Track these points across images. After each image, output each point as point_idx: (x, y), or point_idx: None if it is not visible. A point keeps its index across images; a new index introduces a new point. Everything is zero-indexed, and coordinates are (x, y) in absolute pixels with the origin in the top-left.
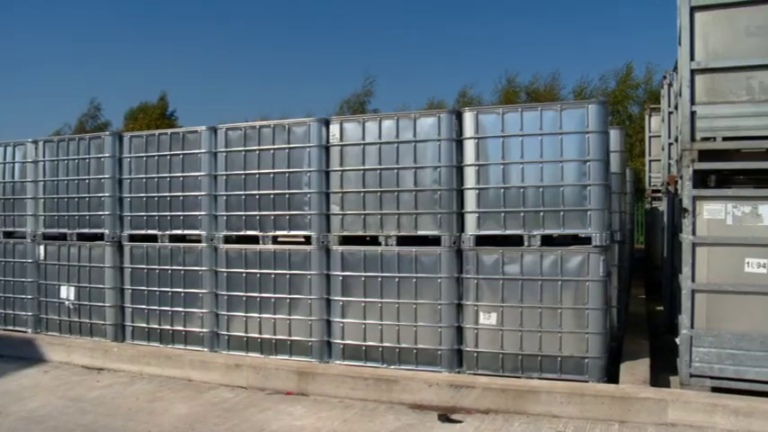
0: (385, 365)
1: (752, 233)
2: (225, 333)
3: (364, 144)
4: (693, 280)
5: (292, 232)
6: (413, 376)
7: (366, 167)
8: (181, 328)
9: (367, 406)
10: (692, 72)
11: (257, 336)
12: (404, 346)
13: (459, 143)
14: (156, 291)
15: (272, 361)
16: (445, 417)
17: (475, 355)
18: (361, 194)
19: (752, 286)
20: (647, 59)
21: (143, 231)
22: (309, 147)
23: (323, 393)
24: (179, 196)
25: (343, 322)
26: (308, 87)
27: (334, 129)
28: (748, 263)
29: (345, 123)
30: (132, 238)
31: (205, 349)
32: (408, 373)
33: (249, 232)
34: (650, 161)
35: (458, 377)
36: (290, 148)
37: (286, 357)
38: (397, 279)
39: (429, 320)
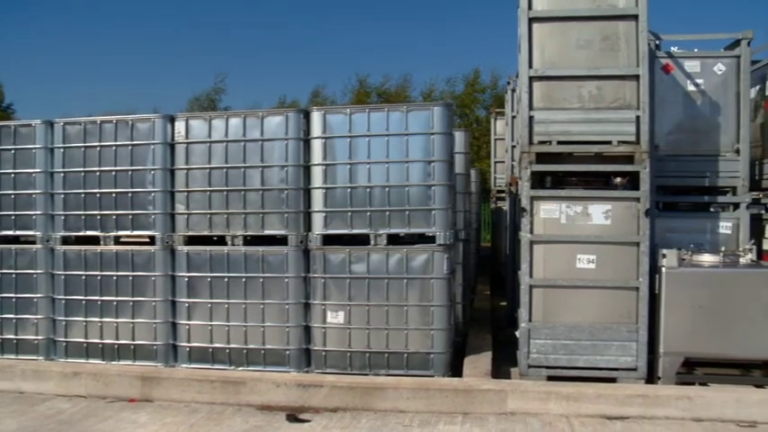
0: (233, 367)
1: (583, 231)
2: (62, 340)
3: (210, 142)
4: (531, 276)
5: (136, 232)
6: (260, 377)
7: (212, 166)
8: (12, 337)
9: (214, 409)
10: (530, 79)
11: (98, 341)
12: (252, 347)
13: (306, 142)
14: None
15: (113, 367)
16: (294, 417)
17: (323, 353)
18: (207, 193)
19: (582, 281)
20: (494, 65)
21: None
22: (154, 144)
23: (168, 398)
24: (10, 194)
25: (189, 324)
26: (159, 87)
27: (180, 126)
28: (579, 259)
29: (191, 121)
30: None
31: (40, 358)
32: (256, 375)
33: (89, 232)
34: (495, 163)
35: (306, 377)
36: (133, 145)
37: (129, 363)
38: (244, 279)
39: (277, 320)
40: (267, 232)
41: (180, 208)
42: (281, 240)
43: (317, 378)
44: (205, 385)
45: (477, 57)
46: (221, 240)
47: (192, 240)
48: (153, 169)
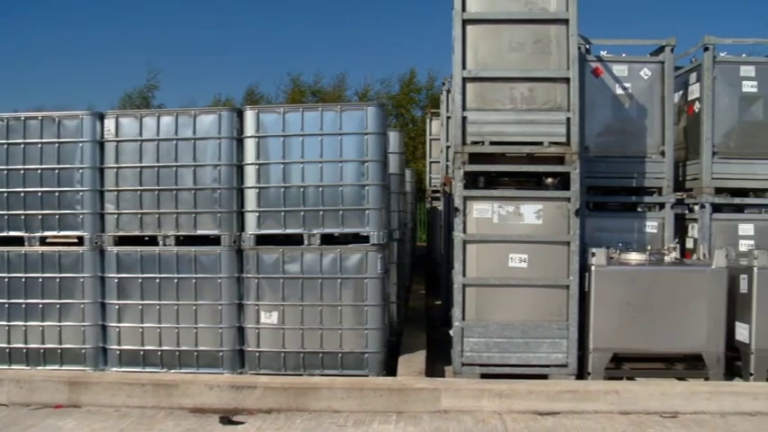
0: (165, 370)
1: (515, 231)
2: None
3: (142, 140)
4: (464, 275)
5: (63, 233)
6: (193, 380)
7: (143, 165)
8: None
9: (145, 413)
10: (464, 80)
11: (22, 346)
12: (184, 348)
13: (240, 142)
14: None
15: (39, 372)
16: (227, 419)
17: (257, 354)
18: (138, 193)
19: (514, 279)
20: (430, 66)
21: None
22: (82, 142)
23: (97, 403)
24: None
25: (119, 327)
26: (92, 88)
27: (110, 123)
28: (512, 258)
29: (122, 118)
30: None
31: None
32: (189, 377)
33: (12, 233)
34: (431, 163)
35: (239, 378)
36: (60, 143)
37: (56, 367)
38: (176, 280)
39: (210, 322)
40: (200, 232)
41: (110, 207)
42: (214, 240)
43: (250, 379)
44: (136, 389)
45: (414, 57)
46: (153, 241)
47: (122, 241)
48: (81, 168)
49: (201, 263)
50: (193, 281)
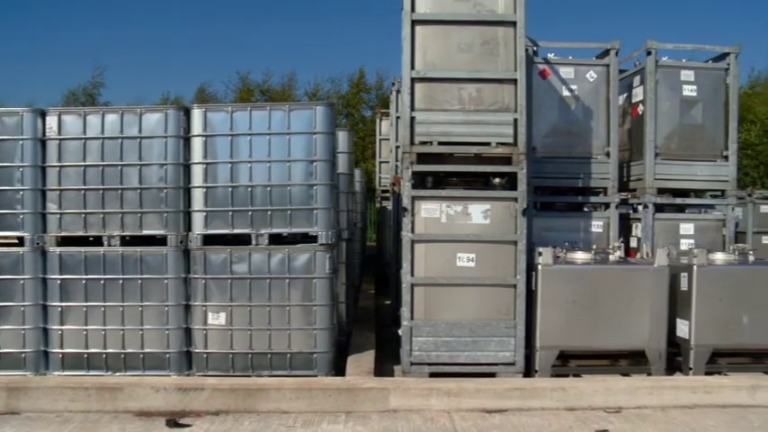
0: (110, 373)
1: (463, 230)
2: None
3: (85, 138)
4: (413, 274)
5: (2, 233)
6: (139, 382)
7: (87, 163)
8: None
9: (89, 418)
10: (413, 80)
11: None
12: (130, 351)
13: (187, 141)
14: None
15: None
16: (174, 422)
17: (205, 356)
18: (82, 192)
19: (462, 279)
20: (380, 66)
21: None
22: (22, 139)
23: (38, 409)
24: None
25: (62, 329)
26: (31, 83)
27: (52, 121)
28: (460, 257)
29: (64, 116)
30: None
31: None
32: (134, 380)
33: None
34: (380, 163)
35: (186, 380)
36: None
37: None
38: (121, 281)
39: (156, 323)
40: (146, 232)
41: (52, 207)
42: (161, 240)
43: (197, 381)
44: (79, 393)
45: (364, 57)
46: (97, 241)
47: (65, 241)
48: (21, 166)
49: (147, 263)
50: (139, 282)
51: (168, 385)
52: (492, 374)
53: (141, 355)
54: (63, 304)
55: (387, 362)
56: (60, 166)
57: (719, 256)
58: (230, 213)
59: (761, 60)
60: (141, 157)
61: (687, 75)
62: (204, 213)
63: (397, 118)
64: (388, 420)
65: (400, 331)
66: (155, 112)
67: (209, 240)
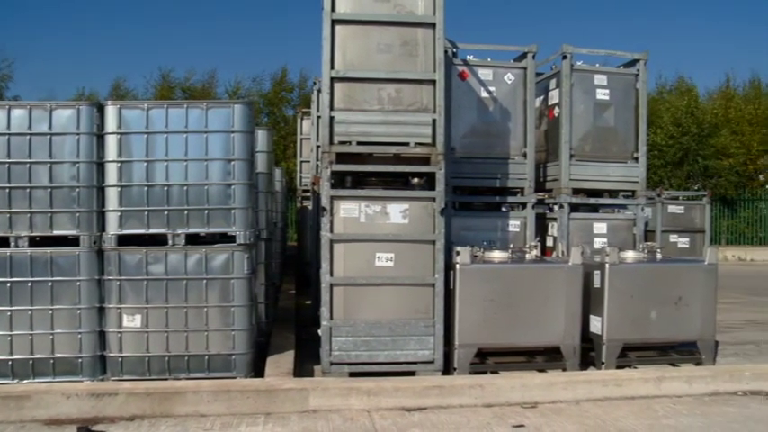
0: (16, 380)
1: (381, 230)
2: None
3: None
4: (332, 274)
5: None
6: (48, 389)
7: None
8: None
9: None
10: (332, 80)
11: None
12: (39, 356)
13: (100, 138)
14: None
15: None
16: (86, 429)
17: (119, 360)
18: None
19: (381, 278)
20: (303, 65)
21: None
22: None
23: None
24: None
25: None
26: None
27: None
28: (378, 257)
29: None
30: None
31: None
32: (43, 387)
33: None
34: (301, 162)
35: (100, 385)
36: None
37: None
38: (29, 284)
39: (68, 327)
40: (56, 233)
41: None
42: (73, 241)
43: (111, 386)
44: None
45: (287, 56)
46: (4, 242)
47: None
48: None
49: (58, 265)
50: (49, 284)
51: (80, 391)
52: (411, 373)
53: (52, 361)
54: None
55: (307, 362)
56: None
57: (630, 255)
58: (146, 213)
59: (668, 68)
60: (52, 155)
61: (600, 79)
62: (119, 213)
63: (318, 117)
64: (308, 421)
65: (320, 331)
66: (66, 108)
67: (123, 241)
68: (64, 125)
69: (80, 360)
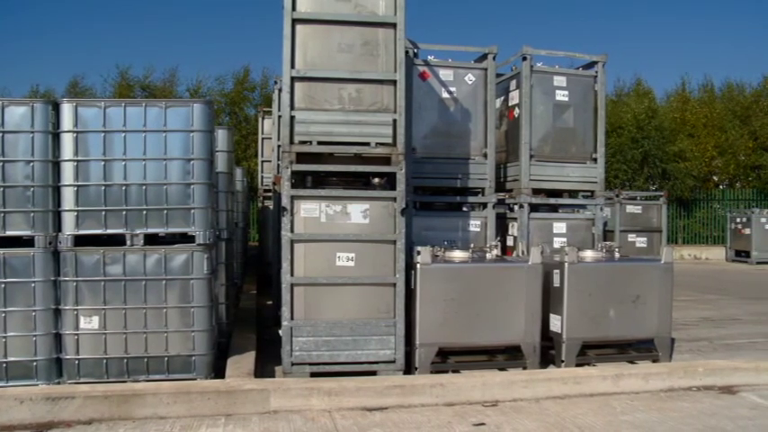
0: None
1: (342, 230)
2: None
3: None
4: (292, 274)
5: None
6: (0, 394)
7: None
8: None
9: None
10: (293, 79)
11: None
12: None
13: (56, 136)
14: None
15: None
16: None
17: (76, 362)
18: None
19: (342, 278)
20: (265, 64)
21: None
22: None
23: None
24: None
25: None
26: None
27: None
28: (339, 257)
29: None
30: None
31: None
32: None
33: None
34: (263, 162)
35: (55, 389)
36: None
37: None
38: None
39: (22, 329)
40: (10, 233)
41: None
42: (27, 242)
43: (68, 389)
44: None
45: (249, 55)
46: None
47: None
48: None
49: (12, 266)
50: (2, 286)
51: (35, 395)
52: (373, 373)
53: (4, 365)
54: None
55: (269, 363)
56: None
57: (589, 254)
58: (103, 213)
59: (626, 71)
60: (4, 153)
61: (560, 80)
62: (75, 213)
63: (279, 117)
64: (269, 422)
65: (281, 331)
66: (20, 105)
67: (80, 241)
68: (17, 123)
69: (35, 363)
